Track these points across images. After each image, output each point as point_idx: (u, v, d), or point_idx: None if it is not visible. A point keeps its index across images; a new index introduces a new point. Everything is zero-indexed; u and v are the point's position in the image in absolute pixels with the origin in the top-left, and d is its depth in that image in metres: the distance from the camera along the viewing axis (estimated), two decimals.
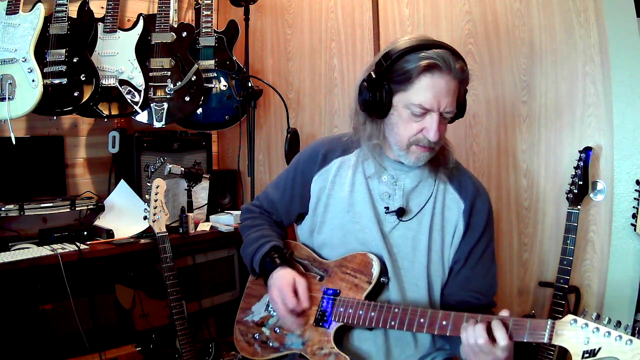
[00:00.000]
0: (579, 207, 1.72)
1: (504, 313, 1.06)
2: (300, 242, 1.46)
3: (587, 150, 1.73)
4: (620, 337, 0.89)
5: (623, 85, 1.69)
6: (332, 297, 1.28)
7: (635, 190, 1.66)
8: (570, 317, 0.95)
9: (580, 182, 1.71)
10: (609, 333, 0.90)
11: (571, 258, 1.70)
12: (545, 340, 0.96)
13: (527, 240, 1.98)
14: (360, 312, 1.22)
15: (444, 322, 1.10)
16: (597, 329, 0.92)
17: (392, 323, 1.16)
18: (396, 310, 1.17)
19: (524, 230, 1.98)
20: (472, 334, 1.04)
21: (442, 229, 1.30)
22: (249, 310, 1.45)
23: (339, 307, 1.25)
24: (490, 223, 1.32)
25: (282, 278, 1.28)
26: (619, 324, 0.91)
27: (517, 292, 2.01)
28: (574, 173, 1.74)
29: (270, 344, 1.34)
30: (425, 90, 1.15)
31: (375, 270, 1.25)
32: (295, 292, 1.26)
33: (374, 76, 1.20)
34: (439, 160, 1.29)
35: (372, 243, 1.29)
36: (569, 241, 1.71)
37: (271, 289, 1.29)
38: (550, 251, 1.92)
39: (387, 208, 1.30)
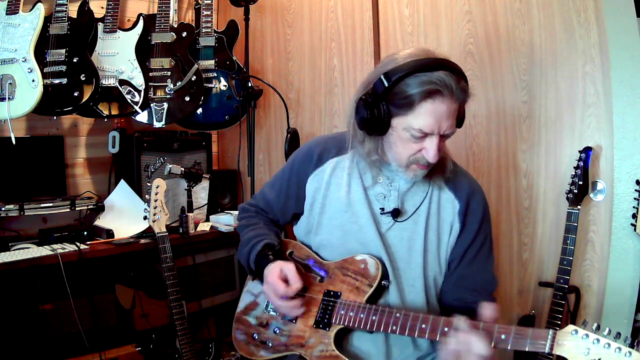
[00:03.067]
0: (579, 207, 1.72)
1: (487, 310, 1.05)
2: (298, 242, 1.46)
3: (587, 150, 1.73)
4: (620, 349, 0.91)
5: (623, 85, 1.69)
6: (333, 299, 1.28)
7: (635, 190, 1.66)
8: (571, 327, 0.97)
9: (580, 182, 1.71)
10: (609, 345, 0.92)
11: (571, 258, 1.70)
12: (547, 350, 0.98)
13: (527, 240, 1.98)
14: (362, 315, 1.21)
15: (446, 329, 1.09)
16: (598, 340, 0.94)
17: (394, 328, 1.16)
18: (398, 314, 1.16)
19: (524, 230, 1.98)
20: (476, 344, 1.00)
21: (437, 229, 1.29)
22: (247, 310, 1.44)
23: (340, 309, 1.25)
24: (485, 221, 1.32)
25: (271, 271, 1.28)
26: (618, 335, 0.93)
27: (517, 292, 2.01)
28: (574, 173, 1.74)
29: (270, 345, 1.34)
30: (426, 116, 1.13)
31: (377, 273, 1.24)
32: (285, 280, 1.26)
33: (372, 97, 1.17)
34: (434, 167, 1.28)
35: (371, 243, 1.29)
36: (569, 241, 1.71)
37: (264, 285, 1.30)
38: (550, 251, 1.92)
39: (382, 209, 1.30)
